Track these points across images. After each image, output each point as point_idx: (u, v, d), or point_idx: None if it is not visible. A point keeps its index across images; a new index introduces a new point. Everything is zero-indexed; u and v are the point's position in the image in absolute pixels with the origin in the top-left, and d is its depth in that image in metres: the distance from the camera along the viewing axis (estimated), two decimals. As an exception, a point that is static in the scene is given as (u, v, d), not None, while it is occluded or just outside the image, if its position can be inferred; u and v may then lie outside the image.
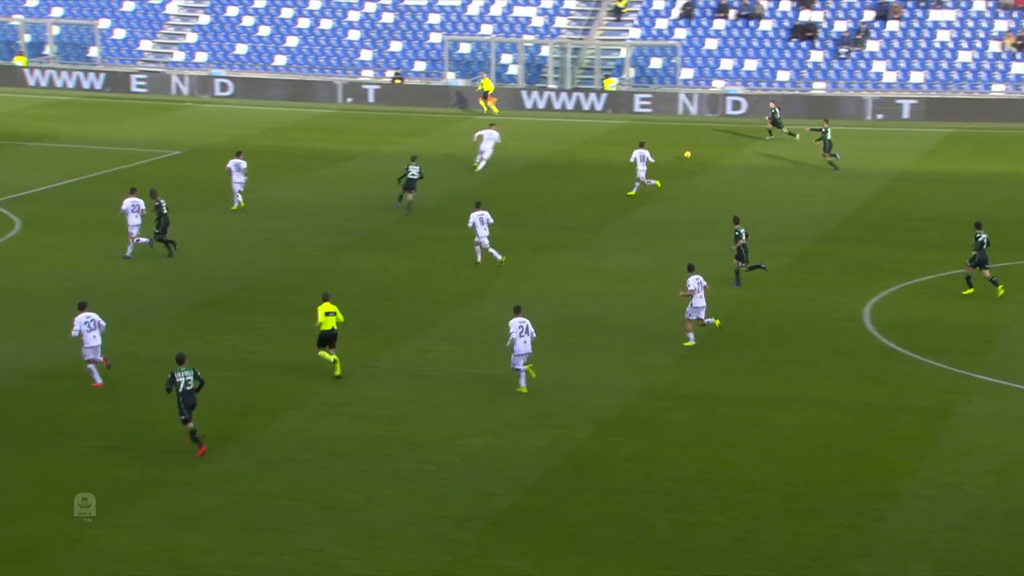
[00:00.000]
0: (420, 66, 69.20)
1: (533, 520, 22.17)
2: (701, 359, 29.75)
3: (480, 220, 36.94)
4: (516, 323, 27.70)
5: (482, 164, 48.99)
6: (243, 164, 43.16)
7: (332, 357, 28.32)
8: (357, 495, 22.92)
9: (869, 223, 42.60)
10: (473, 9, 71.43)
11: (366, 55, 70.03)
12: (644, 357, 29.89)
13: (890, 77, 64.78)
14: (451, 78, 67.82)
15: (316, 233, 40.63)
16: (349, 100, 65.68)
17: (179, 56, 71.85)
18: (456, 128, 59.14)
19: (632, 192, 45.47)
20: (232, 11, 73.23)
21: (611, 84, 64.89)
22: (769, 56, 66.77)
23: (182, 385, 24.19)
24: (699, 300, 30.30)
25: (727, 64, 66.67)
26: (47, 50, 72.81)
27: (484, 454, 24.66)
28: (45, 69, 70.22)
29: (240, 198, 42.97)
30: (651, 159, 45.60)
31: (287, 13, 72.71)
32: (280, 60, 70.43)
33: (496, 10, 71.29)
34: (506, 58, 68.51)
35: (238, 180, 42.94)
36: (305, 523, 21.94)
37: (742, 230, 35.01)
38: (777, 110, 56.64)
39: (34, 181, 47.38)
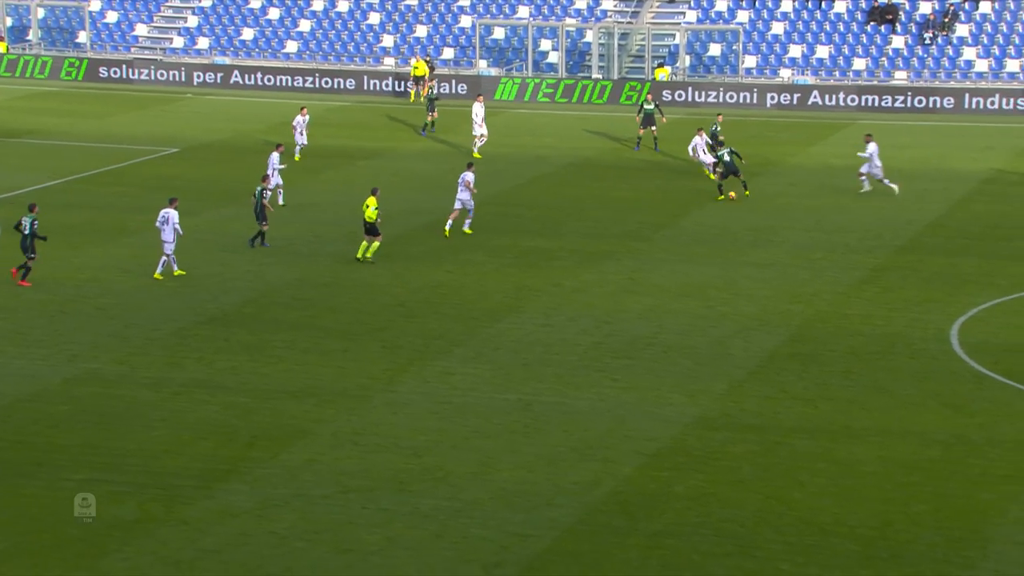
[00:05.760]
0: (448, 53, 69.50)
1: (572, 565, 22.19)
2: (764, 384, 29.74)
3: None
4: (163, 212, 36.33)
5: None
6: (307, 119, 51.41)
7: (373, 243, 37.96)
8: (376, 536, 23.03)
9: (955, 231, 42.45)
10: (508, -11, 71.67)
11: (388, 41, 70.41)
12: (699, 382, 29.90)
13: (981, 65, 64.57)
14: (483, 67, 68.08)
15: (329, 241, 40.87)
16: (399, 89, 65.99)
17: (178, 42, 72.48)
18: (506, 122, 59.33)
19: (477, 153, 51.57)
20: (238, -9, 73.81)
21: (663, 73, 64.96)
22: (844, 42, 66.68)
23: (26, 226, 35.81)
24: (461, 193, 40.54)
25: (795, 51, 66.61)
26: (31, 35, 73.58)
27: (517, 491, 24.71)
28: (28, 56, 70.96)
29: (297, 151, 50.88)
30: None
31: (300, -7, 73.22)
32: (291, 46, 70.92)
33: (534, -10, 71.48)
34: (545, 44, 68.72)
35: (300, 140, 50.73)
36: (318, 567, 22.04)
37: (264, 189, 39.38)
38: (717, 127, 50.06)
39: (15, 182, 47.85)
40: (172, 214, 36.65)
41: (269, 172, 42.65)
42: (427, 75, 63.55)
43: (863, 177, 46.44)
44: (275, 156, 44.22)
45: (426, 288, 36.42)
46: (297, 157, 51.08)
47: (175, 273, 37.01)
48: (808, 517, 23.71)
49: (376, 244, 38.10)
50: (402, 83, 66.06)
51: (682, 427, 27.51)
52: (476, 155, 51.03)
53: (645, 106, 53.74)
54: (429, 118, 56.40)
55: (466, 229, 41.37)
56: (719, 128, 49.95)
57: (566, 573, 21.96)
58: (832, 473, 25.45)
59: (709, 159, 46.62)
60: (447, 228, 41.04)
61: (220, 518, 23.57)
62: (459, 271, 37.95)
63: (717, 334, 32.89)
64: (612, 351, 31.75)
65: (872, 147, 45.97)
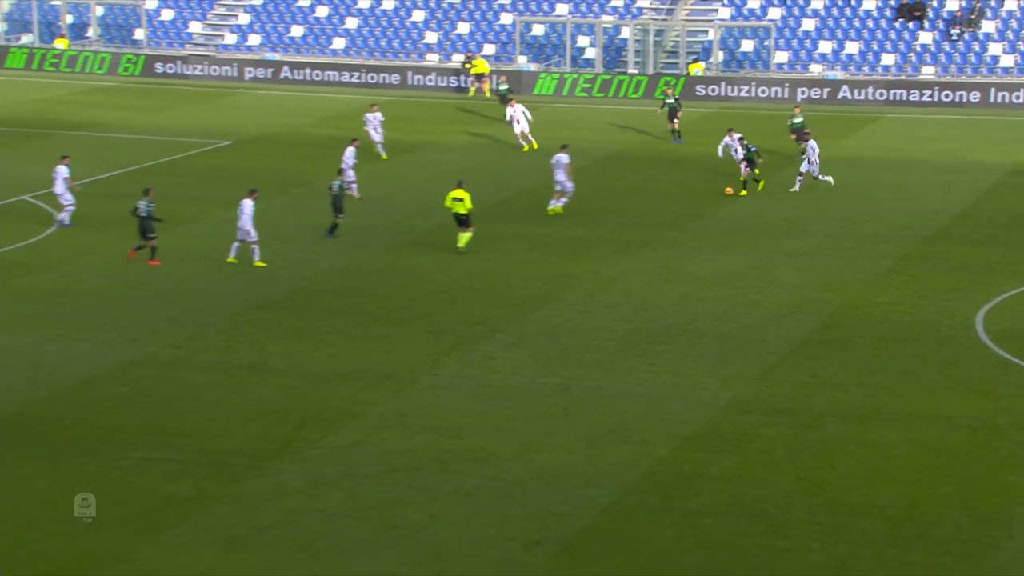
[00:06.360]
0: (489, 49, 69.53)
1: (610, 544, 22.28)
2: (796, 369, 29.71)
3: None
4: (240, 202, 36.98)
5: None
6: (380, 116, 50.19)
7: (463, 235, 38.11)
8: (420, 514, 23.16)
9: (983, 221, 42.20)
10: (547, -13, 71.63)
11: (431, 37, 70.52)
12: (733, 367, 29.89)
13: (1007, 61, 64.06)
14: (523, 62, 68.08)
15: (375, 231, 41.03)
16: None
17: (231, 39, 72.80)
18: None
19: (527, 147, 51.55)
20: (288, -10, 74.08)
21: (697, 69, 64.75)
22: (872, 38, 66.29)
23: (142, 210, 36.72)
24: (557, 175, 41.81)
25: (825, 47, 66.29)
26: (90, 32, 74.08)
27: (557, 471, 24.79)
28: (88, 52, 71.46)
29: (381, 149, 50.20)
30: (529, 117, 51.78)
31: (347, -8, 73.43)
32: (339, 43, 71.12)
33: (573, -12, 71.42)
34: (583, 40, 68.64)
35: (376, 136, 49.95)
36: (365, 544, 22.21)
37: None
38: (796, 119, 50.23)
39: (75, 173, 48.14)
40: (246, 203, 37.06)
41: (344, 167, 42.86)
42: (487, 72, 63.65)
43: (805, 178, 45.68)
44: (350, 150, 44.32)
45: (469, 276, 36.53)
46: (384, 156, 50.30)
47: (228, 260, 37.26)
48: (838, 498, 23.71)
49: (468, 235, 38.16)
50: (445, 78, 66.18)
51: (716, 410, 27.53)
52: (525, 148, 51.04)
53: (667, 101, 53.85)
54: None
55: (550, 209, 42.21)
56: (802, 120, 49.93)
57: (604, 551, 22.05)
58: (862, 456, 25.42)
59: (740, 155, 46.20)
60: (559, 207, 42.38)
61: (272, 496, 23.76)
62: (501, 259, 38.03)
63: (751, 321, 32.86)
64: (649, 337, 31.77)
65: (810, 144, 45.42)
